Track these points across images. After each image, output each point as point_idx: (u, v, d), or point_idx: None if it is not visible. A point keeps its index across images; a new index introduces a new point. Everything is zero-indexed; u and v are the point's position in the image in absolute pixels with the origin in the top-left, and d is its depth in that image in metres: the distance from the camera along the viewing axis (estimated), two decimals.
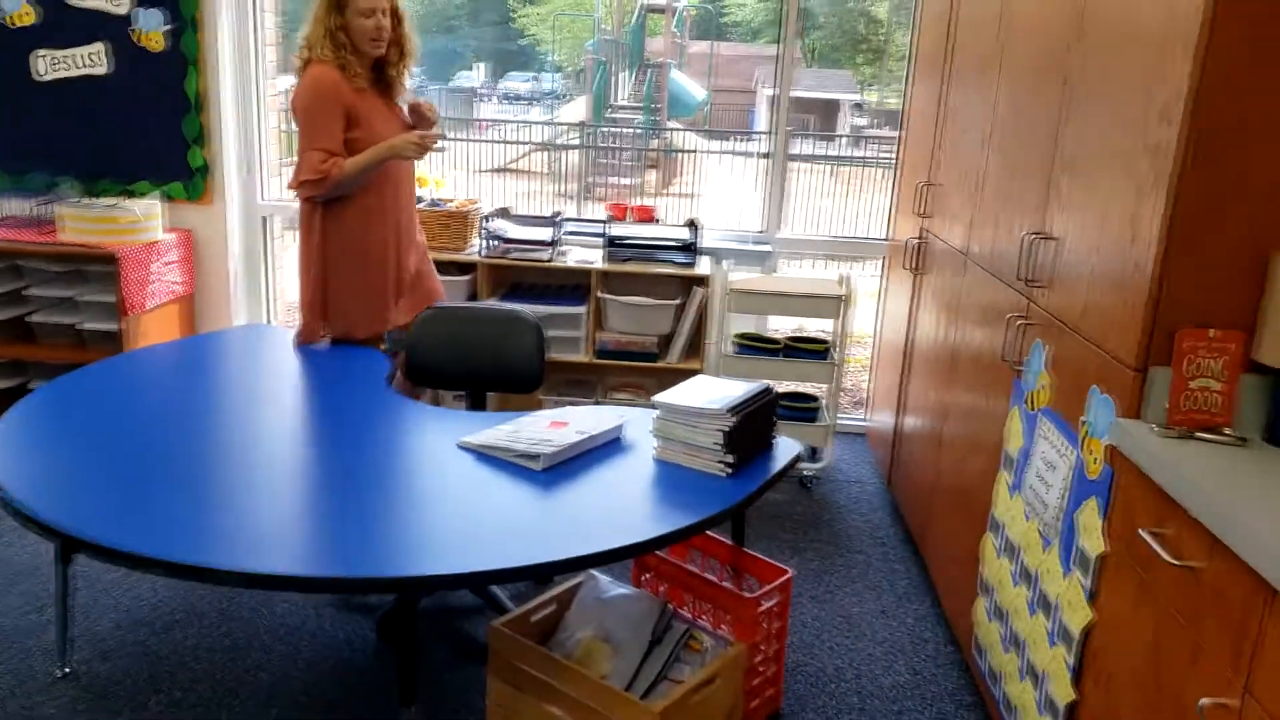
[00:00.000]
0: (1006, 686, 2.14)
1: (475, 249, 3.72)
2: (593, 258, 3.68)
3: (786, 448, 2.33)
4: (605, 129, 11.76)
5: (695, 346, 3.71)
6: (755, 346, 3.61)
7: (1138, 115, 1.68)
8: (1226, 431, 1.60)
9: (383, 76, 2.87)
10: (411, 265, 3.00)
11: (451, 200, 3.98)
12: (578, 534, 1.87)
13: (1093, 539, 1.75)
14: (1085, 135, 1.92)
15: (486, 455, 2.23)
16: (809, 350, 3.61)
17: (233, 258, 4.16)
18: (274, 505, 1.93)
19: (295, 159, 2.74)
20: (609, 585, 2.41)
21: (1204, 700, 1.34)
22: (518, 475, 2.11)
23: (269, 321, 4.35)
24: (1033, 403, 2.10)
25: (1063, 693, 1.83)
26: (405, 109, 2.93)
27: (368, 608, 2.70)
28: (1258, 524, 1.28)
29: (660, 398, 2.24)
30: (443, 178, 4.23)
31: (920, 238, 3.24)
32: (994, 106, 2.55)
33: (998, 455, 2.30)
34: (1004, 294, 2.34)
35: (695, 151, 10.75)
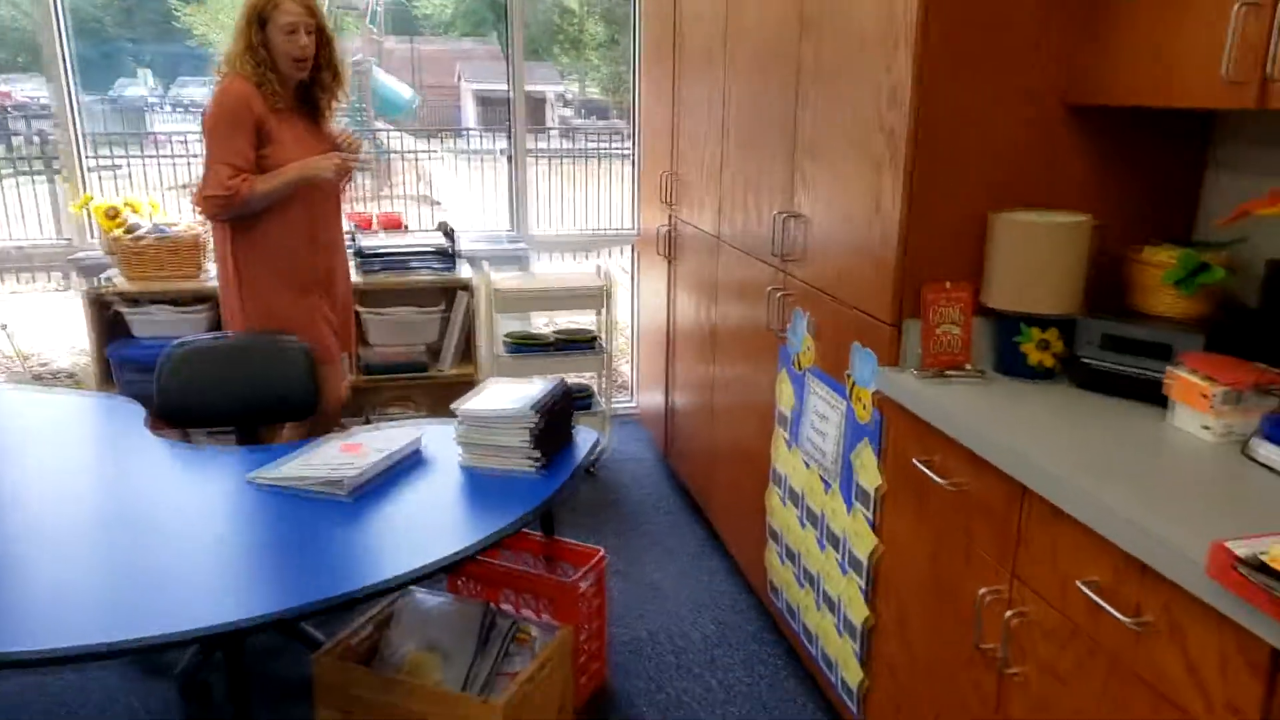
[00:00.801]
0: (805, 618, 2.38)
1: (213, 276, 3.51)
2: None
3: (585, 437, 2.44)
4: None
5: (466, 352, 3.72)
6: (526, 345, 3.69)
7: (870, 102, 1.93)
8: (967, 367, 1.89)
9: (309, 99, 2.76)
10: (339, 292, 2.95)
11: (177, 225, 3.71)
12: (394, 555, 1.85)
13: (870, 475, 2.00)
14: (823, 121, 2.16)
15: (284, 489, 2.16)
16: (578, 342, 3.74)
17: None
18: (44, 576, 1.75)
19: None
20: (427, 597, 2.41)
21: (981, 590, 1.60)
22: (321, 505, 2.06)
23: None
24: (799, 364, 2.35)
25: (859, 614, 2.08)
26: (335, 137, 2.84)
27: (164, 669, 2.52)
28: (1006, 438, 1.54)
29: (461, 406, 2.27)
30: (158, 201, 3.93)
31: (670, 225, 3.46)
32: (728, 97, 2.79)
33: (771, 416, 2.53)
34: (761, 270, 2.58)
35: (416, 153, 10.57)
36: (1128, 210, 1.92)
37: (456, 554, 1.90)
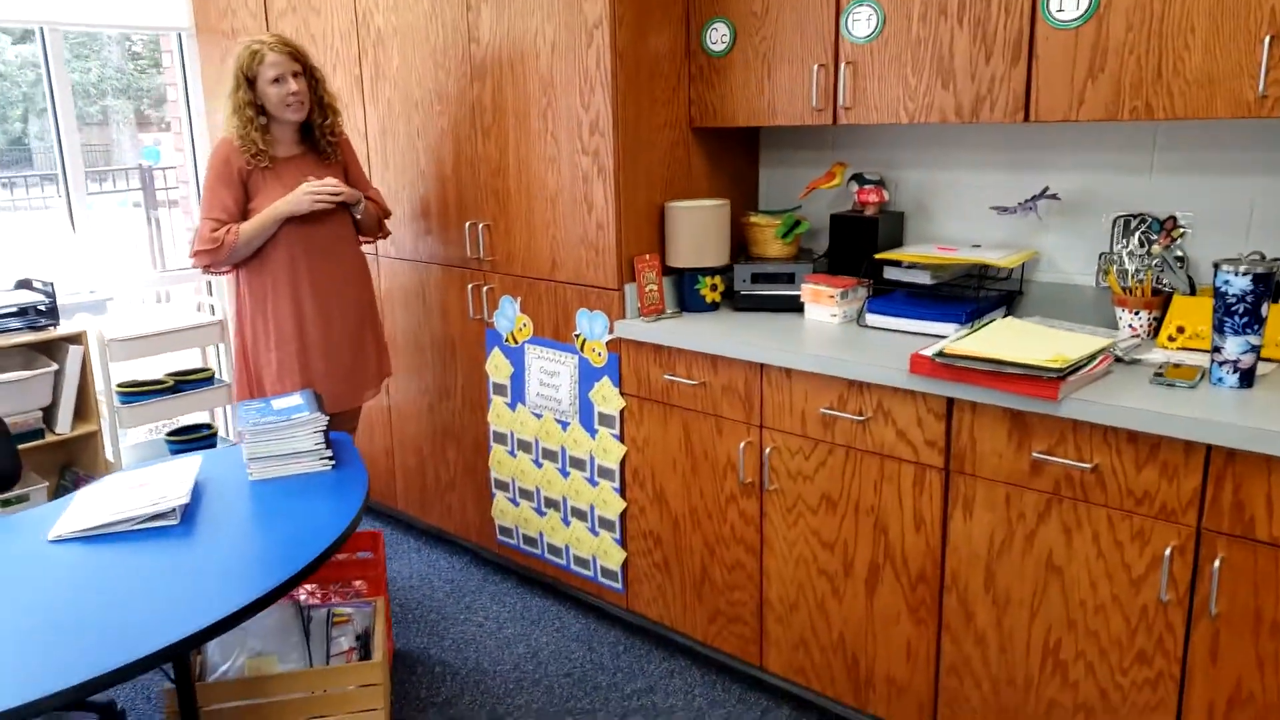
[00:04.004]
0: (550, 539, 2.99)
1: None
2: None
3: (337, 434, 2.72)
4: None
5: (80, 410, 3.47)
6: (146, 391, 3.59)
7: (573, 131, 2.61)
8: (667, 310, 2.69)
9: (312, 138, 2.81)
10: (342, 340, 2.90)
11: None
12: (231, 585, 1.87)
13: (612, 403, 2.70)
14: (526, 148, 2.77)
15: (91, 537, 2.13)
16: (198, 380, 3.74)
17: None
18: None
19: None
20: None
21: (741, 443, 2.43)
22: (140, 546, 2.07)
23: None
24: (514, 339, 2.93)
25: (614, 508, 2.78)
26: (345, 168, 2.92)
27: None
28: (728, 341, 2.38)
29: (244, 425, 2.42)
30: None
31: None
32: (383, 133, 3.21)
33: (480, 391, 3.07)
34: (452, 274, 3.08)
35: None
36: (728, 193, 2.89)
37: (313, 560, 2.07)
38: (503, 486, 3.11)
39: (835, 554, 2.32)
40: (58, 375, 3.37)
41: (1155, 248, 2.25)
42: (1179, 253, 2.25)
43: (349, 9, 3.18)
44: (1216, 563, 1.76)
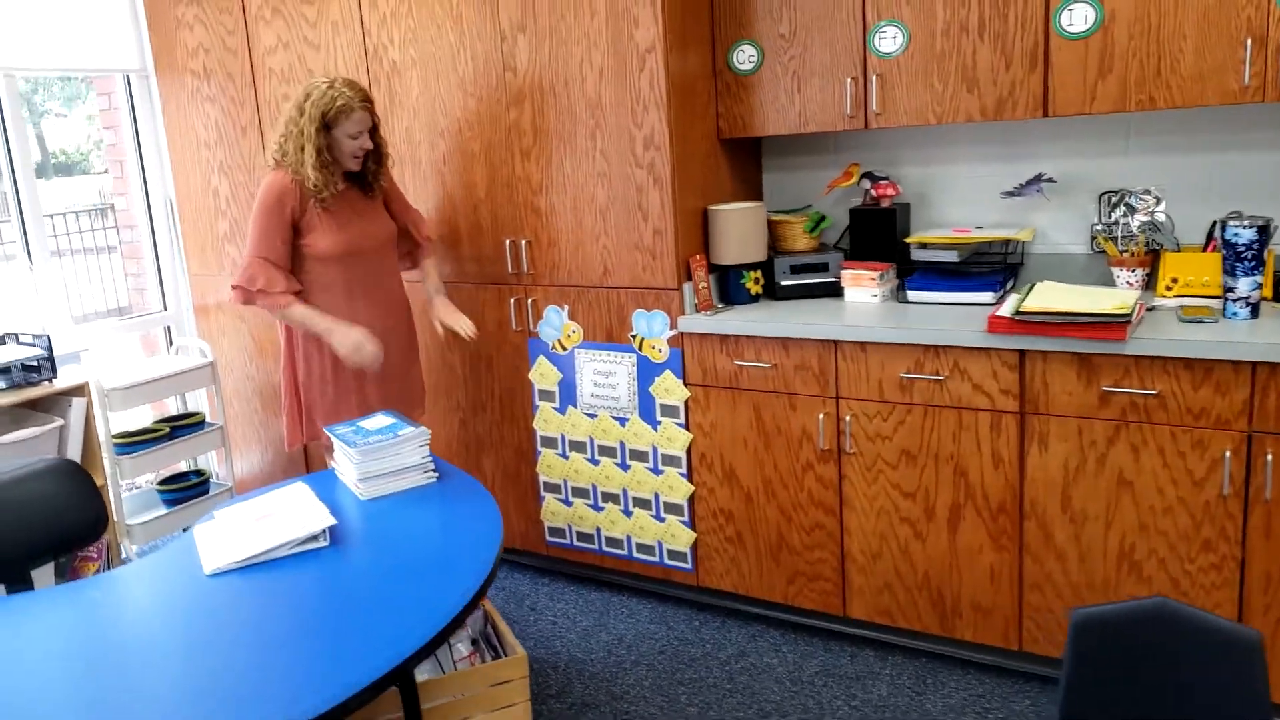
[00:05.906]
0: (609, 533, 3.15)
1: None
2: None
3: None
4: None
5: (88, 460, 3.31)
6: (142, 440, 3.46)
7: (625, 147, 2.82)
8: (718, 305, 2.94)
9: (361, 177, 2.86)
10: (395, 367, 2.96)
11: None
12: (433, 594, 1.86)
13: (675, 394, 2.92)
14: (573, 165, 2.94)
15: (246, 568, 2.13)
16: (191, 425, 3.63)
17: None
18: None
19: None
20: None
21: (819, 415, 2.71)
22: (298, 568, 2.05)
23: None
24: (562, 347, 3.09)
25: (682, 493, 2.98)
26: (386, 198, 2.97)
27: None
28: (795, 323, 2.66)
29: (353, 447, 2.47)
30: None
31: None
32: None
33: (521, 400, 3.20)
34: (490, 291, 3.20)
35: None
36: (748, 196, 3.18)
37: (495, 561, 2.13)
38: (553, 489, 3.25)
39: (916, 501, 2.64)
40: (62, 431, 3.22)
41: (1139, 216, 2.72)
42: (1161, 218, 2.73)
43: (358, 44, 3.25)
44: (1269, 456, 2.20)
